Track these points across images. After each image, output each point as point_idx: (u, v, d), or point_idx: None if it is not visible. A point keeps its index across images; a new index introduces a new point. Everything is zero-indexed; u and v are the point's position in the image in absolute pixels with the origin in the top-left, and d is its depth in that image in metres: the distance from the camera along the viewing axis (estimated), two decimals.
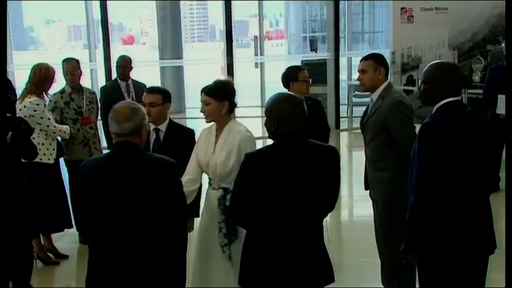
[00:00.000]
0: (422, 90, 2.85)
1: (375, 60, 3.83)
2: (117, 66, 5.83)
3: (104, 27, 9.56)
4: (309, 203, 2.59)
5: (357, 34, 21.39)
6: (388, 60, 10.82)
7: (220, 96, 3.32)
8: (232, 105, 3.38)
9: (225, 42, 9.92)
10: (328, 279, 2.70)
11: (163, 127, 3.77)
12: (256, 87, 15.65)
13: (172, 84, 11.54)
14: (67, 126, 5.02)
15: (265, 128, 2.67)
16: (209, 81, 3.47)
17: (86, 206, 2.56)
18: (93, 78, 11.88)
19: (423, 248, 2.77)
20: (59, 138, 5.06)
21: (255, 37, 24.68)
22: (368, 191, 3.97)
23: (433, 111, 2.80)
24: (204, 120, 3.42)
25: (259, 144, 9.81)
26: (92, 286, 2.55)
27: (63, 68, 5.26)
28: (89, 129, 5.26)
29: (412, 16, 9.77)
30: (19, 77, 9.61)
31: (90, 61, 11.63)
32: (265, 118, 2.64)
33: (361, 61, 3.90)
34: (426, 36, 9.64)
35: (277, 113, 2.57)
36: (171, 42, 12.05)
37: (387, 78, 3.86)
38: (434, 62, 2.93)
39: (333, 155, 2.67)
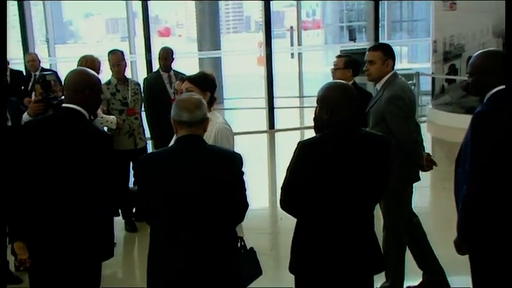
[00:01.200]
0: (471, 83, 2.80)
1: (384, 52, 3.79)
2: (159, 58, 5.89)
3: (145, 19, 9.71)
4: (361, 191, 2.59)
5: (395, 23, 21.08)
6: (430, 49, 10.67)
7: (204, 86, 3.33)
8: (212, 99, 3.37)
9: (264, 33, 9.90)
10: (379, 268, 2.71)
11: None
12: (293, 77, 15.62)
13: None
14: (114, 117, 5.11)
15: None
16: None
17: (153, 196, 2.55)
18: (133, 70, 12.09)
19: (476, 239, 2.73)
20: (106, 129, 5.17)
21: (291, 27, 24.61)
22: None
23: (485, 100, 2.75)
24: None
25: (296, 135, 9.73)
26: (156, 275, 2.60)
27: (108, 60, 5.37)
28: (134, 120, 5.36)
29: (455, 3, 9.56)
30: (61, 69, 9.84)
31: (130, 53, 11.82)
32: (317, 107, 2.64)
33: (369, 51, 3.85)
34: (469, 24, 9.42)
35: (330, 101, 2.57)
36: (209, 34, 12.13)
37: (393, 69, 3.82)
38: (480, 51, 2.85)
39: (385, 144, 2.67)
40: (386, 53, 3.78)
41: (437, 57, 10.05)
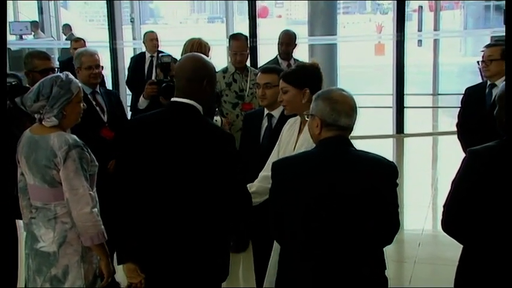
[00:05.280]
0: None
1: None
2: (279, 43, 5.98)
3: None
4: None
5: None
6: None
7: (300, 83, 3.35)
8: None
9: (395, 14, 9.80)
10: None
11: (276, 113, 3.86)
12: (421, 70, 15.32)
13: (323, 64, 11.56)
14: (218, 117, 5.18)
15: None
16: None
17: (288, 208, 2.67)
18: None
19: None
20: None
21: (420, 7, 23.97)
22: None
23: None
24: None
25: (428, 142, 9.51)
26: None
27: (229, 45, 5.56)
28: None
29: None
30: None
31: (226, 37, 12.13)
32: (496, 107, 2.64)
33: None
34: None
35: None
36: (323, 16, 12.11)
37: None
38: None
39: None
40: None
41: None
